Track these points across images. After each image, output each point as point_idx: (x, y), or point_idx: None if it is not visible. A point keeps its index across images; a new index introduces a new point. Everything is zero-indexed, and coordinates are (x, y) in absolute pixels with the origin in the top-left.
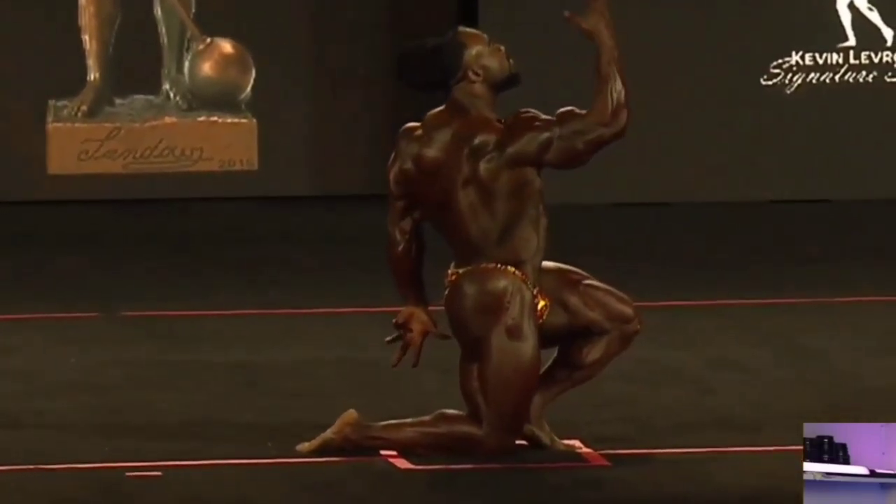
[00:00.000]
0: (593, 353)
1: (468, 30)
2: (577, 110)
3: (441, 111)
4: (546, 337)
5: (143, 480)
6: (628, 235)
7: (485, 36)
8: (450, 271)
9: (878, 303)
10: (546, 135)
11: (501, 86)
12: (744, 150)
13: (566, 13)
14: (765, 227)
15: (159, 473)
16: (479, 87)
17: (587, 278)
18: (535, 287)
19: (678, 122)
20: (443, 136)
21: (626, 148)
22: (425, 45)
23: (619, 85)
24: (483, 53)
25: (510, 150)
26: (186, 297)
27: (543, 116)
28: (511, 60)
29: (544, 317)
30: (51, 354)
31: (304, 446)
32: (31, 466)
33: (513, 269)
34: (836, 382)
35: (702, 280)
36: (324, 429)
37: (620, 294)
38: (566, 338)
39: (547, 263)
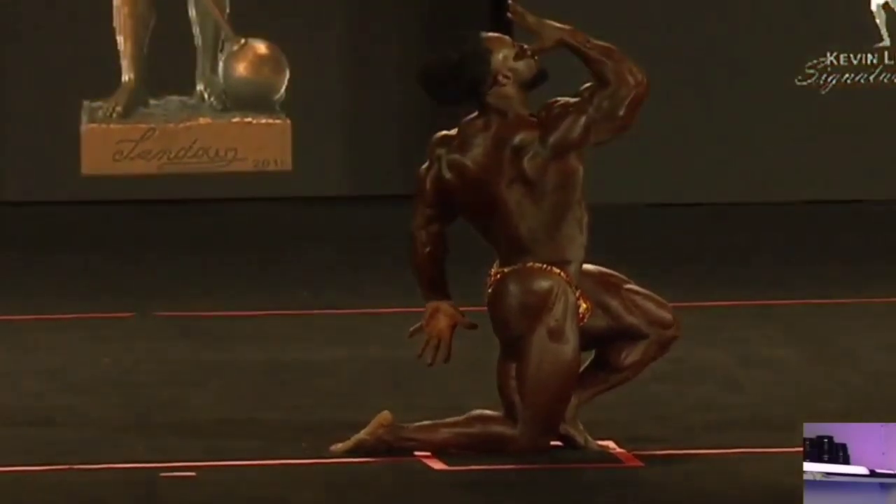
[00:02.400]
0: (631, 356)
1: (491, 34)
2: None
3: (475, 117)
4: (585, 339)
5: (176, 480)
6: (663, 235)
7: (508, 38)
8: (493, 271)
9: None
10: (584, 117)
11: (531, 84)
12: (778, 151)
13: (535, 57)
14: (799, 227)
15: (193, 474)
16: (510, 89)
17: (628, 282)
18: (577, 289)
19: (713, 123)
20: (482, 142)
21: (661, 148)
22: (449, 58)
23: (615, 54)
24: (509, 56)
25: (552, 140)
26: (219, 297)
27: (573, 100)
28: (536, 57)
29: (586, 320)
30: (84, 354)
31: (338, 447)
32: (65, 466)
33: (558, 270)
34: (868, 382)
35: (735, 280)
36: (356, 428)
37: (660, 300)
38: (604, 341)
39: (588, 266)
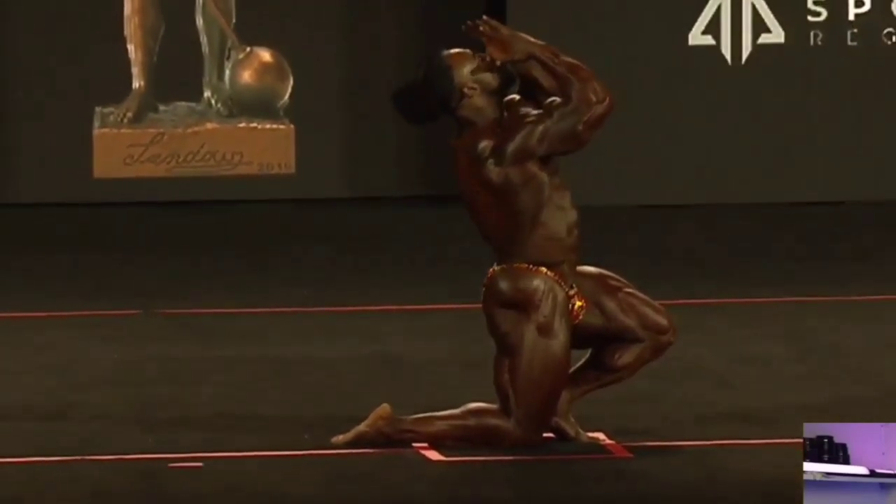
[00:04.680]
0: (624, 358)
1: (452, 51)
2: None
3: (460, 132)
4: (580, 338)
5: (184, 471)
6: (653, 236)
7: (468, 52)
8: (489, 270)
9: None
10: (541, 127)
11: (500, 90)
12: (765, 153)
13: (507, 67)
14: (786, 227)
15: (200, 464)
16: (479, 100)
17: (628, 286)
18: (571, 287)
19: (700, 125)
20: (461, 152)
21: (651, 150)
22: (415, 80)
23: (582, 72)
24: (471, 69)
25: (510, 149)
26: (224, 295)
27: (534, 111)
28: (499, 63)
29: (580, 317)
30: (93, 350)
31: (339, 439)
32: (76, 457)
33: (545, 269)
34: (854, 379)
35: (724, 279)
36: (356, 422)
37: (658, 306)
38: (600, 341)
39: (589, 268)
